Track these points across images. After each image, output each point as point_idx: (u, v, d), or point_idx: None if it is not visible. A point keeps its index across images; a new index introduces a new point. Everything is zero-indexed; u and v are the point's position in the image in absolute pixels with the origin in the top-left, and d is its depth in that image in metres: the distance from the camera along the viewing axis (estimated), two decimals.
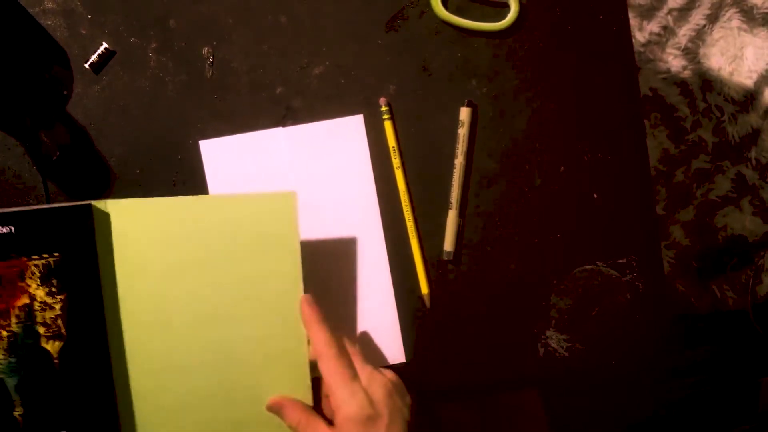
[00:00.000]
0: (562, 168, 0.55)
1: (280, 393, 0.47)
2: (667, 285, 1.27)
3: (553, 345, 0.56)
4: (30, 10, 0.51)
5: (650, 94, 1.31)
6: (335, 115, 0.54)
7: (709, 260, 1.30)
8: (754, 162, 1.31)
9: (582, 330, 0.56)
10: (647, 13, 1.32)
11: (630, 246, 0.56)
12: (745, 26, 1.30)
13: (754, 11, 1.30)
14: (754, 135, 1.31)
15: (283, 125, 0.53)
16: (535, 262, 0.55)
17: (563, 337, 0.56)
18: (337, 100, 0.54)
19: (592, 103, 0.55)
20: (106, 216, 0.44)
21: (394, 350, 0.55)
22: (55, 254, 0.43)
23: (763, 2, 1.30)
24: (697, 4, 1.31)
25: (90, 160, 0.52)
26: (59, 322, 0.43)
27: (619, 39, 0.55)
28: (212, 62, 0.53)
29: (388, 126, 0.54)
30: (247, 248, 0.46)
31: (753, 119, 1.31)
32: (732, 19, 1.30)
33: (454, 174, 0.54)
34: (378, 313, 0.55)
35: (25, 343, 0.43)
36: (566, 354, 0.56)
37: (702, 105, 1.31)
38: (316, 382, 0.48)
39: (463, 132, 0.54)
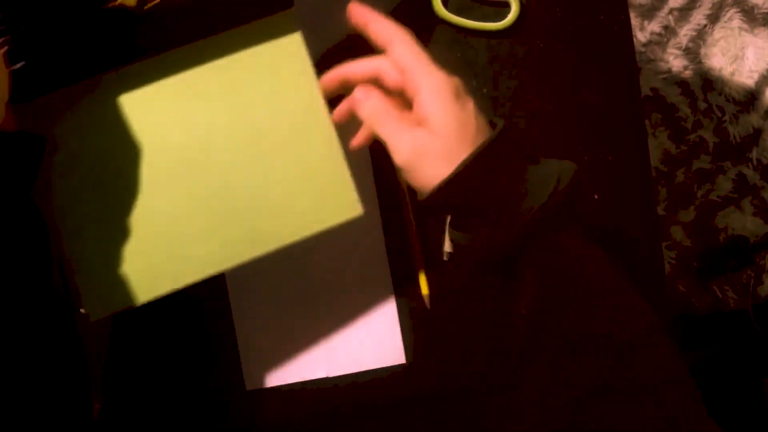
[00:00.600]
0: None
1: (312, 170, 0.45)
2: (668, 285, 1.26)
3: None
4: None
5: (651, 94, 1.31)
6: None
7: (709, 261, 1.30)
8: (755, 162, 1.31)
9: None
10: (648, 13, 1.31)
11: (631, 246, 0.56)
12: (746, 26, 1.30)
13: (755, 11, 1.30)
14: (755, 135, 1.31)
15: None
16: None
17: None
18: (336, 100, 0.54)
19: (592, 104, 0.55)
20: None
21: (393, 350, 0.55)
22: None
23: (764, 2, 1.30)
24: (698, 4, 1.31)
25: None
26: None
27: (620, 39, 0.55)
28: None
29: None
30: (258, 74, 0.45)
31: (754, 119, 1.31)
32: (733, 19, 1.30)
33: None
34: (378, 313, 0.55)
35: None
36: None
37: (703, 105, 1.31)
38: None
39: None
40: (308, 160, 0.45)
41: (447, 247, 0.54)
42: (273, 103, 0.45)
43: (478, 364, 0.55)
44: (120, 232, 0.44)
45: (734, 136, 1.31)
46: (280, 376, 0.55)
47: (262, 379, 0.56)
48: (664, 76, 1.31)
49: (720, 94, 1.31)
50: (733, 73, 1.31)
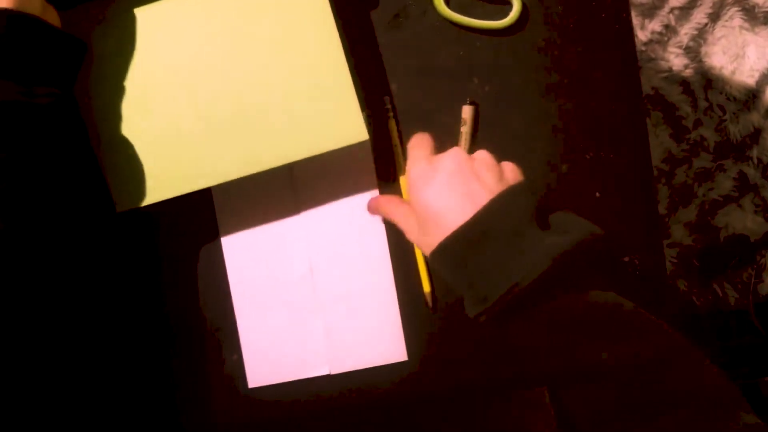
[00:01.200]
0: (563, 167, 0.55)
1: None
2: (669, 284, 1.26)
3: None
4: None
5: (652, 92, 1.31)
6: None
7: (710, 259, 1.30)
8: (755, 161, 1.31)
9: None
10: (649, 11, 1.31)
11: (632, 245, 0.56)
12: (746, 25, 1.30)
13: (756, 10, 1.30)
14: (756, 134, 1.31)
15: None
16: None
17: None
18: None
19: (593, 102, 0.55)
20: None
21: (395, 349, 0.55)
22: None
23: (765, 1, 1.30)
24: (699, 2, 1.31)
25: None
26: None
27: (621, 37, 0.55)
28: None
29: (391, 124, 0.54)
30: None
31: (755, 118, 1.31)
32: (734, 18, 1.30)
33: None
34: (380, 311, 0.55)
35: None
36: None
37: (704, 104, 1.31)
38: None
39: (465, 130, 0.54)
40: (319, 85, 0.48)
41: None
42: (289, 27, 0.49)
43: (479, 363, 0.55)
44: (144, 137, 0.49)
45: (735, 135, 1.31)
46: (281, 374, 0.56)
47: (263, 377, 0.56)
48: (665, 74, 1.31)
49: (721, 93, 1.30)
50: (733, 72, 1.30)
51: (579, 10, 0.55)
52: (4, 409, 0.44)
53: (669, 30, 1.31)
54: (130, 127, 0.49)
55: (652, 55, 1.31)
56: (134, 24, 0.49)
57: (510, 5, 0.54)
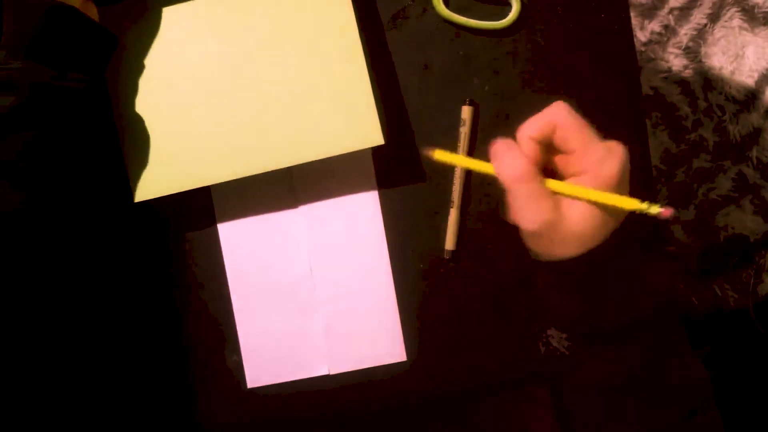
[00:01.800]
0: None
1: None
2: (669, 284, 1.26)
3: (554, 344, 0.56)
4: None
5: (651, 93, 1.31)
6: None
7: (710, 259, 1.30)
8: (755, 161, 1.31)
9: None
10: (648, 12, 1.31)
11: (631, 245, 0.56)
12: (746, 25, 1.30)
13: (755, 10, 1.30)
14: (755, 134, 1.31)
15: None
16: (536, 261, 0.55)
17: (564, 335, 0.56)
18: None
19: (593, 102, 0.55)
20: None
21: (394, 349, 0.55)
22: None
23: (764, 2, 1.30)
24: (698, 3, 1.31)
25: None
26: None
27: (621, 38, 0.55)
28: None
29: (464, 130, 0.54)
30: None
31: (754, 118, 1.31)
32: (733, 18, 1.30)
33: (456, 172, 0.54)
34: (379, 311, 0.55)
35: None
36: (567, 353, 0.56)
37: (703, 104, 1.31)
38: None
39: (464, 131, 0.54)
40: (339, 89, 0.50)
41: (449, 245, 0.54)
42: (313, 31, 0.50)
43: (478, 363, 0.55)
44: (166, 130, 0.51)
45: (734, 135, 1.31)
46: (280, 374, 0.56)
47: (263, 377, 0.56)
48: (665, 75, 1.31)
49: (720, 93, 1.31)
50: (733, 72, 1.31)
51: (578, 10, 0.55)
52: (4, 408, 0.44)
53: (668, 30, 1.31)
54: (153, 120, 0.51)
55: (652, 56, 1.31)
56: (165, 23, 0.51)
57: (509, 5, 0.54)
